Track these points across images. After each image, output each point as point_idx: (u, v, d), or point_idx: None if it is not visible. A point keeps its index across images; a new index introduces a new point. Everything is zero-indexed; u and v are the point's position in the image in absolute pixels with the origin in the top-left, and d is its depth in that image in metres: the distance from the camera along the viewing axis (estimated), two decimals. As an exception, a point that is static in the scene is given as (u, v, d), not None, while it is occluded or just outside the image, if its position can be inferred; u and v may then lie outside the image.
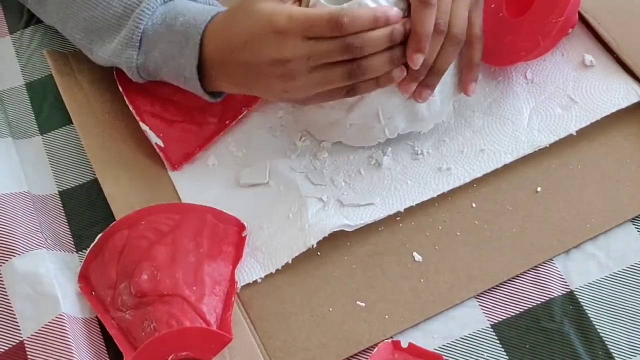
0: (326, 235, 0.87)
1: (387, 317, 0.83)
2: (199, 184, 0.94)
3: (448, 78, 0.90)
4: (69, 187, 0.97)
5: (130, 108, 0.96)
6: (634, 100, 0.91)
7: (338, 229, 0.87)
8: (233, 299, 0.84)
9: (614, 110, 0.91)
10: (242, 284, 0.86)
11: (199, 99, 0.95)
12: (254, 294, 0.86)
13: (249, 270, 0.87)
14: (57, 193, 0.96)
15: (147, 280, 0.83)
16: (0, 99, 1.04)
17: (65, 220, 0.94)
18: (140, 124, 0.95)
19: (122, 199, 0.92)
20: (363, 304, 0.84)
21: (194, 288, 0.83)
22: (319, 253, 0.87)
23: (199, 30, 0.88)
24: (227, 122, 0.97)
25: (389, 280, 0.85)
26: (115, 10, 0.92)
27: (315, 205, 0.90)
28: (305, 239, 0.87)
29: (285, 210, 0.90)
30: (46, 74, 1.05)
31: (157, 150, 0.95)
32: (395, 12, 0.84)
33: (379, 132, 0.91)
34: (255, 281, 0.86)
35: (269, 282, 0.86)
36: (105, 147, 0.96)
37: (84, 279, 0.87)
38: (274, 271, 0.87)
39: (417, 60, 0.85)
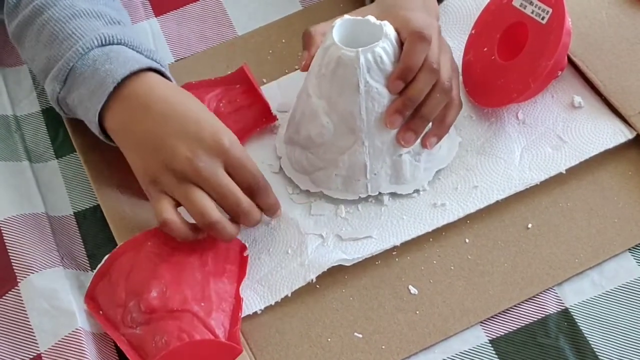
0: (325, 270, 0.88)
1: (383, 347, 0.84)
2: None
3: (434, 150, 0.92)
4: (83, 208, 0.98)
5: None
6: (621, 140, 0.93)
7: (336, 264, 0.88)
8: (240, 314, 0.85)
9: (601, 150, 0.92)
10: (242, 315, 0.86)
11: None
12: (255, 325, 0.87)
13: (250, 302, 0.87)
14: (72, 214, 0.98)
15: (157, 297, 0.84)
16: (18, 124, 1.05)
17: (80, 240, 0.96)
18: None
19: (126, 232, 0.92)
20: (360, 335, 0.85)
21: (202, 304, 0.84)
22: (317, 286, 0.88)
23: (114, 81, 0.89)
24: None
25: (385, 312, 0.86)
26: (59, 51, 0.93)
27: (315, 241, 0.91)
28: (304, 273, 0.88)
29: (285, 247, 0.91)
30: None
31: None
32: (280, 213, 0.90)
33: (362, 186, 0.92)
34: (256, 312, 0.87)
35: (269, 314, 0.87)
36: (112, 182, 0.97)
37: (91, 299, 0.88)
38: (273, 303, 0.87)
39: (398, 86, 0.87)
